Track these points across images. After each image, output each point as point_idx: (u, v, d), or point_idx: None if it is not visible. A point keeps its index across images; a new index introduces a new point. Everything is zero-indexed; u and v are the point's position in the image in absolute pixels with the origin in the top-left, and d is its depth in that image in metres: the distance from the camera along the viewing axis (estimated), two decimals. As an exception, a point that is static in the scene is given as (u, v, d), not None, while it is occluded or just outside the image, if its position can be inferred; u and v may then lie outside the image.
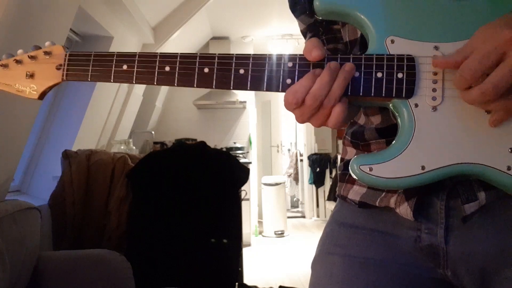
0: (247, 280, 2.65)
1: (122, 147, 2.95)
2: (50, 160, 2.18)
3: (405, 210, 0.59)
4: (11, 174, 1.72)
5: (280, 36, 4.71)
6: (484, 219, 0.57)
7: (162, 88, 4.35)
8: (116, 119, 3.04)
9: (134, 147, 3.12)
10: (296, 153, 6.11)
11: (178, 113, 4.91)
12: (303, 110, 0.54)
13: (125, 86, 2.95)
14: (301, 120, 0.56)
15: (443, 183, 0.57)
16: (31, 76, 0.62)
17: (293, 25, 4.38)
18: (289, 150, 6.63)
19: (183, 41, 3.96)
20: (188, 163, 2.12)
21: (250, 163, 3.94)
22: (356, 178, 0.55)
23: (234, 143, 4.84)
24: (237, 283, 2.18)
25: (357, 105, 0.62)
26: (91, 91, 2.29)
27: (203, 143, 2.21)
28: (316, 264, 0.70)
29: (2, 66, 0.62)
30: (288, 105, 0.55)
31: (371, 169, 0.53)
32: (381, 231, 0.64)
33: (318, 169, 5.50)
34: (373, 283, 0.62)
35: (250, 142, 4.97)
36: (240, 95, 4.65)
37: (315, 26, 0.74)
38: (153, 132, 4.21)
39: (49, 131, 2.23)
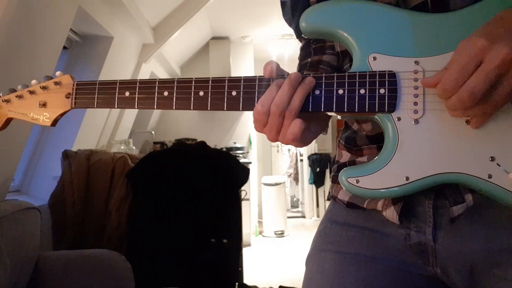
0: (247, 280, 2.65)
1: (122, 147, 2.95)
2: (50, 160, 2.18)
3: (391, 213, 0.61)
4: (11, 174, 1.72)
5: (280, 36, 4.71)
6: (472, 218, 0.58)
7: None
8: (116, 119, 3.04)
9: (134, 147, 3.12)
10: (296, 153, 6.11)
11: (178, 113, 4.91)
12: (271, 122, 0.57)
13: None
14: (271, 136, 0.59)
15: None
16: (43, 105, 0.67)
17: (293, 25, 4.38)
18: (289, 150, 6.63)
19: (183, 41, 3.96)
20: (188, 163, 2.12)
21: (250, 163, 3.94)
22: (345, 189, 0.58)
23: (234, 143, 4.83)
24: (237, 283, 2.18)
25: (344, 118, 0.63)
26: (91, 91, 2.28)
27: (203, 143, 2.21)
28: (309, 261, 0.72)
29: (18, 97, 0.68)
30: (258, 117, 0.58)
31: (357, 181, 0.56)
32: (372, 229, 0.66)
33: (318, 169, 5.50)
34: (363, 279, 0.64)
35: (250, 142, 4.97)
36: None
37: None
38: (153, 132, 4.21)
39: (49, 131, 2.23)
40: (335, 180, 0.73)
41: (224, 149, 3.96)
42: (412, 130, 0.55)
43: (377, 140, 0.65)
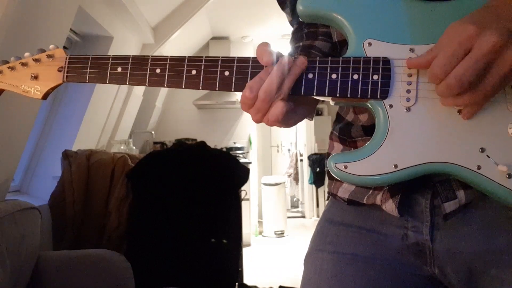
0: (247, 280, 2.65)
1: (122, 147, 2.95)
2: (50, 160, 2.18)
3: (390, 206, 0.61)
4: (11, 174, 1.72)
5: (280, 36, 4.71)
6: (470, 218, 0.58)
7: (162, 88, 4.34)
8: (116, 119, 3.04)
9: (134, 147, 3.12)
10: (296, 153, 6.11)
11: (178, 113, 4.91)
12: (258, 106, 0.57)
13: (125, 86, 2.95)
14: (256, 118, 0.59)
15: (427, 182, 0.59)
16: (35, 77, 0.66)
17: (293, 25, 4.38)
18: (289, 150, 6.63)
19: (183, 41, 3.96)
20: (188, 163, 2.12)
21: (250, 163, 3.94)
22: (333, 175, 0.57)
23: (234, 143, 4.84)
24: (237, 283, 2.18)
25: (338, 104, 0.63)
26: (91, 91, 2.29)
27: (203, 143, 2.21)
28: (308, 261, 0.72)
29: (10, 69, 0.67)
30: (245, 100, 0.57)
31: (346, 167, 0.56)
32: (369, 229, 0.66)
33: (318, 169, 5.50)
34: (361, 279, 0.63)
35: (250, 142, 4.97)
36: (240, 95, 4.65)
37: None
38: (153, 132, 4.21)
39: (49, 131, 2.23)
40: (332, 177, 0.73)
41: (224, 149, 3.96)
42: (403, 118, 0.55)
43: (372, 131, 0.64)
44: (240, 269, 2.32)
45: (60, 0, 1.62)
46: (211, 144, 2.50)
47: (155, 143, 4.23)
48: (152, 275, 1.97)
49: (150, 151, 3.16)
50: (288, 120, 0.62)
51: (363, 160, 0.55)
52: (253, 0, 3.66)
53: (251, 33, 4.71)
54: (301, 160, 5.95)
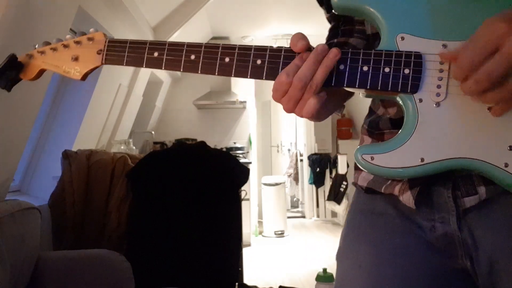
0: (247, 280, 2.65)
1: (122, 147, 2.95)
2: (50, 160, 2.18)
3: (407, 198, 0.61)
4: (11, 174, 1.72)
5: (280, 36, 4.70)
6: (491, 213, 0.57)
7: (162, 88, 4.35)
8: (116, 119, 3.04)
9: (134, 147, 3.12)
10: (296, 153, 6.11)
11: (178, 113, 4.91)
12: (291, 94, 0.57)
13: (125, 86, 2.95)
14: (288, 107, 0.59)
15: (449, 174, 0.58)
16: (75, 59, 0.69)
17: (293, 25, 4.38)
18: (289, 150, 6.63)
19: (183, 41, 3.95)
20: (188, 163, 2.12)
21: (250, 163, 3.94)
22: (359, 166, 0.58)
23: (234, 143, 4.84)
24: (237, 283, 2.18)
25: (369, 97, 0.64)
26: (91, 91, 2.29)
27: (203, 143, 2.21)
28: (342, 255, 0.71)
29: (52, 50, 0.70)
30: (280, 86, 0.58)
31: (372, 158, 0.56)
32: (403, 217, 0.64)
33: (318, 169, 5.50)
34: (401, 271, 0.62)
35: (250, 142, 4.97)
36: (240, 95, 4.65)
37: (337, 15, 0.78)
38: (153, 132, 4.21)
39: (49, 131, 2.23)
40: (357, 168, 0.73)
41: (224, 149, 3.96)
42: (432, 113, 0.55)
43: (399, 125, 0.64)
44: (240, 269, 2.32)
45: (60, 0, 1.62)
46: (211, 144, 2.50)
47: (155, 143, 4.23)
48: (152, 275, 1.97)
49: (150, 151, 3.16)
50: (320, 114, 0.63)
51: (390, 152, 0.56)
52: (253, 0, 3.66)
53: (251, 33, 4.70)
54: (301, 160, 5.95)
